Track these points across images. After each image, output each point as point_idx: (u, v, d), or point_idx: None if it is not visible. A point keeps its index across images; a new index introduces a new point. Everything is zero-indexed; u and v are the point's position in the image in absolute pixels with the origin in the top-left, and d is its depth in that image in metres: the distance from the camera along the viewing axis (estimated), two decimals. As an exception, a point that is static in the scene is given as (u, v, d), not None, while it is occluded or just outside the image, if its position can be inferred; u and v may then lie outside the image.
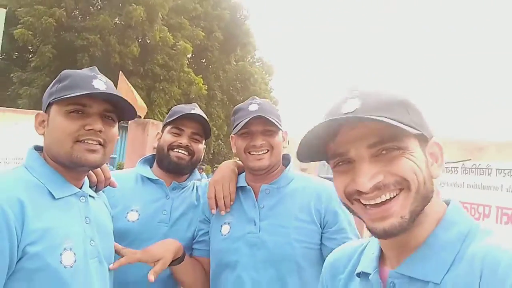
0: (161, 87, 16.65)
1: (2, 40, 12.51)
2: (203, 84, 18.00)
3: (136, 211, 1.64)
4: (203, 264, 1.64)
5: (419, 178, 0.73)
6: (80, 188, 1.23)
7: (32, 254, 1.02)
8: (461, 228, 0.75)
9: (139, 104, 11.61)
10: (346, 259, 0.95)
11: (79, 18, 16.38)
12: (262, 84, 23.57)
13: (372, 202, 0.73)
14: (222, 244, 1.56)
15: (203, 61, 21.41)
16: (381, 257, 0.85)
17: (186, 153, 1.71)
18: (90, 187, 1.32)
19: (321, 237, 1.51)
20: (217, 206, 1.61)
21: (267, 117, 1.51)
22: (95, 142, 1.17)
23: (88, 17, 16.23)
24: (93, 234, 1.21)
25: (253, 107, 1.57)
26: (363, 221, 0.79)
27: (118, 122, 1.26)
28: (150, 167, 1.81)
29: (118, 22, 16.30)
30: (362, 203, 0.76)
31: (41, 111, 1.23)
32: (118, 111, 1.23)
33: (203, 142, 1.80)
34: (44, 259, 1.04)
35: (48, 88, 1.25)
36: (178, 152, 1.70)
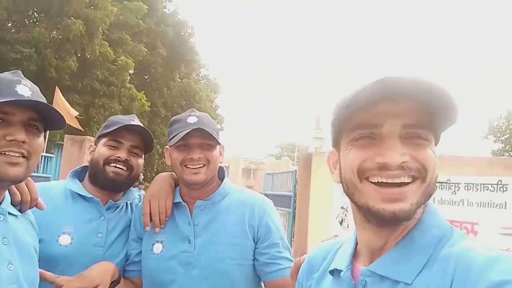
0: (101, 103, 16.15)
1: None
2: (146, 100, 17.72)
3: (69, 234, 1.50)
4: (137, 285, 1.59)
5: (434, 173, 0.74)
6: None
7: None
8: (436, 231, 0.75)
9: (71, 114, 11.25)
10: (321, 257, 0.96)
11: (12, 30, 15.58)
12: (207, 101, 23.67)
13: (390, 181, 0.72)
14: (154, 264, 1.50)
15: (146, 77, 21.10)
16: (355, 255, 0.86)
17: (125, 168, 1.57)
18: (13, 205, 1.20)
19: (254, 252, 1.51)
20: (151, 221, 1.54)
21: (207, 130, 1.46)
22: (17, 154, 1.05)
23: (22, 30, 15.49)
24: (11, 256, 1.08)
25: (191, 119, 1.51)
26: (364, 206, 0.75)
27: (45, 132, 1.15)
28: (81, 181, 1.66)
29: (55, 35, 15.71)
30: (373, 183, 0.74)
31: None
32: (44, 120, 1.12)
33: (143, 156, 1.68)
34: None
35: None
36: (115, 167, 1.56)
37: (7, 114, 1.04)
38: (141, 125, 1.63)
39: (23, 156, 1.07)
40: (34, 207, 1.28)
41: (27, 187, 1.24)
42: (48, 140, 12.43)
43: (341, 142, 0.81)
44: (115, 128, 1.57)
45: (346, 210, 4.78)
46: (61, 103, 11.59)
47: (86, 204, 1.58)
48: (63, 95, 11.84)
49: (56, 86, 11.77)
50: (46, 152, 12.29)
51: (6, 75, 1.10)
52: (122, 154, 1.58)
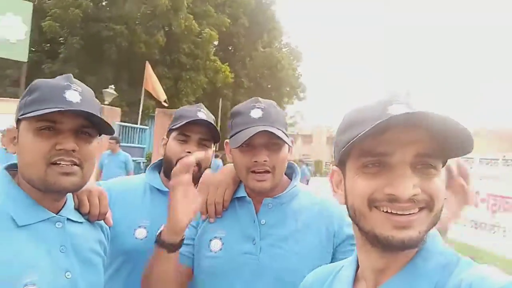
0: (188, 77, 16.60)
1: (31, 33, 12.73)
2: (229, 72, 17.84)
3: (145, 227, 1.50)
4: (182, 274, 1.39)
5: (441, 203, 0.73)
6: (58, 212, 1.08)
7: None
8: (440, 259, 0.74)
9: (158, 92, 11.65)
10: (319, 282, 0.93)
11: (105, 9, 16.49)
12: (290, 70, 23.14)
13: (400, 212, 0.70)
14: (211, 263, 1.34)
15: (230, 48, 21.22)
16: (356, 280, 0.84)
17: (196, 169, 1.51)
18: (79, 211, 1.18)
19: (332, 257, 1.32)
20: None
21: (275, 133, 1.27)
22: (68, 163, 1.01)
23: (114, 7, 16.30)
24: (69, 265, 1.05)
25: (256, 113, 1.33)
26: (370, 232, 0.74)
27: (99, 135, 1.10)
28: (159, 173, 1.66)
29: (143, 11, 16.30)
30: (383, 211, 0.72)
31: (11, 127, 1.08)
32: (96, 125, 1.07)
33: (212, 147, 1.65)
34: None
35: (20, 99, 1.10)
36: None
37: (56, 123, 1.01)
38: (206, 116, 1.59)
39: (75, 164, 1.03)
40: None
41: (99, 201, 1.22)
42: (142, 112, 13.14)
43: (346, 164, 0.79)
44: (182, 123, 1.55)
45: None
46: (149, 78, 12.08)
47: (163, 198, 1.53)
48: (153, 69, 12.31)
49: (147, 61, 12.26)
50: (140, 124, 13.04)
51: (58, 79, 1.07)
52: (191, 148, 1.55)
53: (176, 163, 1.42)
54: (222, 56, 19.46)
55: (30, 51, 16.35)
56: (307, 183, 13.13)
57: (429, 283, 0.72)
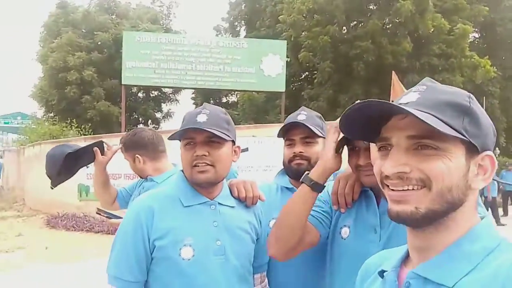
0: (441, 79, 15.29)
1: (291, 65, 14.69)
2: (490, 66, 15.41)
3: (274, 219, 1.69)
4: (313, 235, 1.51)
5: (444, 182, 0.75)
6: (213, 199, 1.51)
7: (158, 247, 1.39)
8: (487, 242, 0.76)
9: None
10: (377, 262, 0.97)
11: (352, 29, 17.30)
12: None
13: (393, 188, 0.78)
14: (343, 248, 1.50)
15: (494, 38, 18.37)
16: (407, 260, 0.87)
17: (301, 160, 1.78)
18: (237, 199, 1.59)
19: None
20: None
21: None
22: (203, 164, 1.43)
23: (360, 26, 16.91)
24: (219, 235, 1.46)
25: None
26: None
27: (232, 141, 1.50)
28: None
29: (387, 22, 16.22)
30: (388, 188, 0.80)
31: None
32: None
33: (319, 141, 1.81)
34: (167, 252, 1.38)
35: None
36: (296, 161, 1.79)
37: (193, 138, 1.44)
38: (308, 116, 1.81)
39: (209, 165, 1.43)
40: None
41: (251, 187, 1.62)
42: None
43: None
44: (284, 129, 1.82)
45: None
46: (396, 87, 11.78)
47: (290, 194, 1.68)
48: (401, 78, 11.99)
49: (392, 71, 12.05)
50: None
51: (196, 109, 1.51)
52: (297, 149, 1.79)
53: (289, 162, 1.81)
54: (483, 49, 17.06)
55: (291, 82, 18.88)
56: None
57: (469, 263, 0.74)
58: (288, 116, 1.88)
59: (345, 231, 1.53)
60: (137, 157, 2.40)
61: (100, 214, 2.77)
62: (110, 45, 19.20)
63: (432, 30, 15.23)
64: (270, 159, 8.23)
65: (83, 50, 18.85)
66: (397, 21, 15.63)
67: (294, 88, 19.14)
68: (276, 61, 13.72)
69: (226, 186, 1.59)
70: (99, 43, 19.52)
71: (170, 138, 1.48)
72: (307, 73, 19.48)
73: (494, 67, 15.61)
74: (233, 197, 1.59)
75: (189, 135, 1.44)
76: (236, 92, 21.98)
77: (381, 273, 0.89)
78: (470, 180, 0.77)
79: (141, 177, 2.51)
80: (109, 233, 8.58)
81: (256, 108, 19.49)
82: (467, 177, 0.77)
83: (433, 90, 0.79)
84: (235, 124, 1.58)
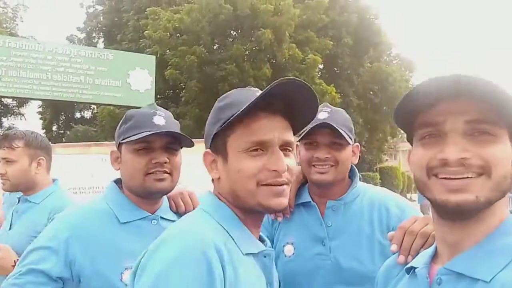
0: (296, 103, 16.92)
1: (156, 82, 14.44)
2: (336, 92, 17.69)
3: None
4: None
5: (503, 170, 0.72)
6: (154, 213, 1.35)
7: (93, 271, 1.21)
8: None
9: None
10: (395, 264, 0.97)
11: (217, 51, 17.93)
12: (402, 81, 21.93)
13: (452, 177, 0.72)
14: (286, 267, 1.44)
15: (335, 69, 21.10)
16: (435, 257, 0.85)
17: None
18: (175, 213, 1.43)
19: None
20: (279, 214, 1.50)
21: (336, 127, 1.37)
22: (162, 172, 1.30)
23: (223, 49, 17.65)
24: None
25: (322, 115, 1.44)
26: (432, 200, 0.77)
27: (181, 148, 1.38)
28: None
29: (248, 47, 17.30)
30: (440, 178, 0.74)
31: (115, 149, 1.39)
32: (179, 140, 1.35)
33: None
34: (107, 277, 1.22)
35: (117, 128, 1.38)
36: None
37: (150, 143, 1.29)
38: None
39: (167, 173, 1.30)
40: None
41: (191, 199, 1.43)
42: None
43: (413, 139, 0.83)
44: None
45: None
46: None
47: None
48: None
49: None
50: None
51: (146, 109, 1.36)
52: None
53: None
54: (328, 78, 19.43)
55: (157, 98, 18.50)
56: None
57: (506, 257, 0.71)
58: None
59: (288, 249, 1.45)
60: (42, 159, 2.01)
61: None
62: None
63: (287, 58, 16.76)
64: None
65: None
66: (257, 48, 16.80)
67: (159, 105, 18.78)
68: (144, 76, 13.14)
69: (166, 198, 1.42)
70: None
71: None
72: (172, 91, 19.39)
73: (338, 94, 17.93)
74: (172, 211, 1.42)
75: (145, 139, 1.27)
76: (93, 107, 20.52)
77: (408, 270, 0.87)
78: None
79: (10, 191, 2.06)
80: None
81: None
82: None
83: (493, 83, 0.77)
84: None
